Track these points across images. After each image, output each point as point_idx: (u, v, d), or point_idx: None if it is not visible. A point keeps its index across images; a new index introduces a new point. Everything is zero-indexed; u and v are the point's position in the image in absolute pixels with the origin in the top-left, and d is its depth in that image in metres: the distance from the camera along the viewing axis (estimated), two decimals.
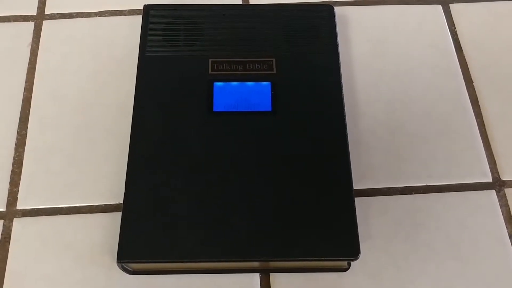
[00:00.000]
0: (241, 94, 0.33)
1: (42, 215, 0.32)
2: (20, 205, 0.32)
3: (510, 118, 0.35)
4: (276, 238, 0.29)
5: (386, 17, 0.39)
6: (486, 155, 0.34)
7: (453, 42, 0.38)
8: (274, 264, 0.30)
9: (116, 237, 0.29)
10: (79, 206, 0.32)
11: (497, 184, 0.33)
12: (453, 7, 0.39)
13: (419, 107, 0.35)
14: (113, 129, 0.34)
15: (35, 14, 0.38)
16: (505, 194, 0.33)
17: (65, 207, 0.32)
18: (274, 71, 0.34)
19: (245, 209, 0.30)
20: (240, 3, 0.39)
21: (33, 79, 0.36)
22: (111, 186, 0.32)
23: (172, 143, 0.31)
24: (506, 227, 0.32)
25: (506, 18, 0.39)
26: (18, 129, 0.34)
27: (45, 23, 0.38)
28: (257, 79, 0.33)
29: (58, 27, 0.38)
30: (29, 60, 0.37)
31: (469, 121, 0.35)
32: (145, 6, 0.36)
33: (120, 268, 0.29)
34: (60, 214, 0.32)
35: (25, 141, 0.34)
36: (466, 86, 0.36)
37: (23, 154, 0.33)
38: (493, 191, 0.33)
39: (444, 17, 0.39)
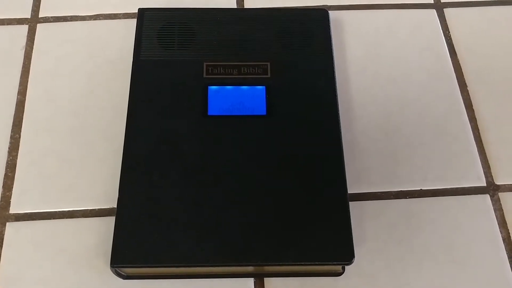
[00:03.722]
0: (235, 98, 0.33)
1: (35, 220, 0.31)
2: (13, 210, 0.32)
3: (504, 122, 0.35)
4: (271, 243, 0.29)
5: (380, 21, 0.39)
6: (480, 159, 0.34)
7: (447, 46, 0.38)
8: (268, 268, 0.30)
9: (110, 241, 0.29)
10: (73, 210, 0.32)
11: (491, 188, 0.33)
12: (448, 11, 0.39)
13: (414, 110, 0.35)
14: (107, 133, 0.34)
15: (29, 17, 0.38)
16: (499, 198, 0.33)
17: (59, 211, 0.32)
18: (269, 75, 0.34)
19: (239, 214, 0.30)
20: (235, 7, 0.39)
21: (27, 82, 0.36)
22: (105, 190, 0.32)
23: (167, 147, 0.31)
24: (500, 231, 0.32)
25: (500, 22, 0.39)
26: (11, 132, 0.34)
27: (39, 26, 0.38)
28: (251, 83, 0.33)
29: (52, 30, 0.38)
30: (23, 63, 0.36)
31: (463, 125, 0.35)
32: (139, 9, 0.36)
33: (113, 273, 0.29)
34: (54, 218, 0.31)
35: (19, 145, 0.33)
36: (460, 90, 0.36)
37: (17, 158, 0.33)
38: (487, 195, 0.33)
39: (439, 21, 0.39)
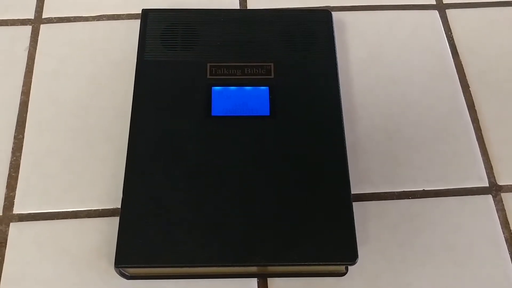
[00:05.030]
0: (239, 99, 0.33)
1: (39, 220, 0.31)
2: (16, 210, 0.32)
3: (506, 123, 0.35)
4: (274, 243, 0.29)
5: (383, 22, 0.39)
6: (482, 159, 0.34)
7: (450, 47, 0.38)
8: (271, 268, 0.30)
9: (114, 241, 0.29)
10: (76, 210, 0.32)
11: (494, 189, 0.33)
12: (449, 12, 0.40)
13: (416, 111, 0.35)
14: (110, 134, 0.34)
15: (32, 18, 0.38)
16: (501, 199, 0.33)
17: (62, 211, 0.32)
18: (272, 76, 0.34)
19: (243, 214, 0.30)
20: (238, 8, 0.39)
21: (31, 83, 0.36)
22: (109, 191, 0.32)
23: (170, 148, 0.31)
24: (503, 231, 0.32)
25: (502, 23, 0.39)
26: (15, 133, 0.34)
27: (43, 27, 0.38)
28: (255, 83, 0.33)
29: (55, 31, 0.38)
30: (27, 64, 0.36)
31: (465, 125, 0.35)
32: (143, 10, 0.36)
33: (117, 273, 0.29)
34: (57, 218, 0.31)
35: (22, 145, 0.34)
36: (463, 91, 0.36)
37: (20, 158, 0.33)
38: (490, 196, 0.33)
39: (441, 22, 0.39)
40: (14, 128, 0.34)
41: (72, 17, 0.39)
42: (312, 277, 0.30)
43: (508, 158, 0.34)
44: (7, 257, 0.30)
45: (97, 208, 0.32)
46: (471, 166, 0.34)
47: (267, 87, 0.33)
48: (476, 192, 0.33)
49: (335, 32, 0.36)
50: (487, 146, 0.34)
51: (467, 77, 0.37)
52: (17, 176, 0.33)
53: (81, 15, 0.39)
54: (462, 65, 0.37)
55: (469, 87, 0.37)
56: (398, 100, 0.36)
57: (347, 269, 0.30)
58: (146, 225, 0.29)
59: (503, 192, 0.33)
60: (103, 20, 0.38)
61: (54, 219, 0.31)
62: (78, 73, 0.36)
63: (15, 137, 0.34)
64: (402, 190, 0.33)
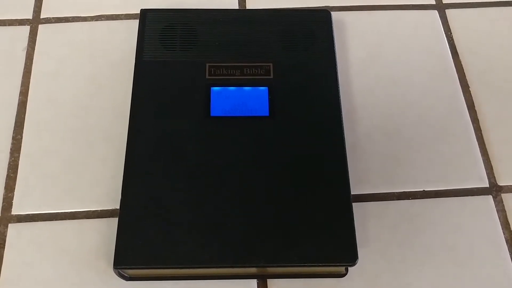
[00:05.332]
0: (238, 99, 0.33)
1: (37, 221, 0.31)
2: (15, 211, 0.32)
3: (507, 123, 0.35)
4: (274, 244, 0.29)
5: (382, 22, 0.39)
6: (482, 160, 0.34)
7: (449, 47, 0.38)
8: (271, 270, 0.30)
9: (112, 242, 0.29)
10: (75, 211, 0.32)
11: (494, 189, 0.33)
12: (449, 12, 0.40)
13: (416, 112, 0.35)
14: (109, 134, 0.34)
15: (30, 18, 0.38)
16: (501, 199, 0.33)
17: (61, 212, 0.32)
18: (271, 76, 0.34)
19: (242, 215, 0.30)
20: (237, 8, 0.39)
21: (29, 83, 0.36)
22: (108, 191, 0.32)
23: (169, 148, 0.31)
24: (503, 232, 0.32)
25: (501, 23, 0.39)
26: (13, 133, 0.34)
27: (41, 27, 0.38)
28: (254, 84, 0.33)
29: (54, 31, 0.38)
30: (25, 64, 0.36)
31: (465, 126, 0.35)
32: (142, 10, 0.36)
33: (116, 274, 0.29)
34: (56, 219, 0.31)
35: (21, 146, 0.33)
36: (463, 91, 0.36)
37: (19, 159, 0.33)
38: (490, 196, 0.33)
39: (440, 22, 0.39)
40: (13, 129, 0.34)
41: (70, 17, 0.38)
42: (312, 278, 0.30)
43: (509, 159, 0.34)
44: (5, 258, 0.30)
45: (96, 209, 0.32)
46: (472, 166, 0.34)
47: (266, 88, 0.33)
48: (477, 193, 0.33)
49: (334, 32, 0.36)
50: (487, 146, 0.34)
51: (467, 77, 0.37)
52: (16, 176, 0.32)
53: (79, 15, 0.38)
54: (462, 65, 0.37)
55: (469, 87, 0.37)
56: (398, 100, 0.36)
57: (347, 270, 0.30)
58: (145, 226, 0.29)
59: (503, 192, 0.33)
60: (101, 20, 0.38)
61: (53, 220, 0.31)
62: (77, 73, 0.36)
63: (13, 138, 0.34)
64: (402, 190, 0.33)
